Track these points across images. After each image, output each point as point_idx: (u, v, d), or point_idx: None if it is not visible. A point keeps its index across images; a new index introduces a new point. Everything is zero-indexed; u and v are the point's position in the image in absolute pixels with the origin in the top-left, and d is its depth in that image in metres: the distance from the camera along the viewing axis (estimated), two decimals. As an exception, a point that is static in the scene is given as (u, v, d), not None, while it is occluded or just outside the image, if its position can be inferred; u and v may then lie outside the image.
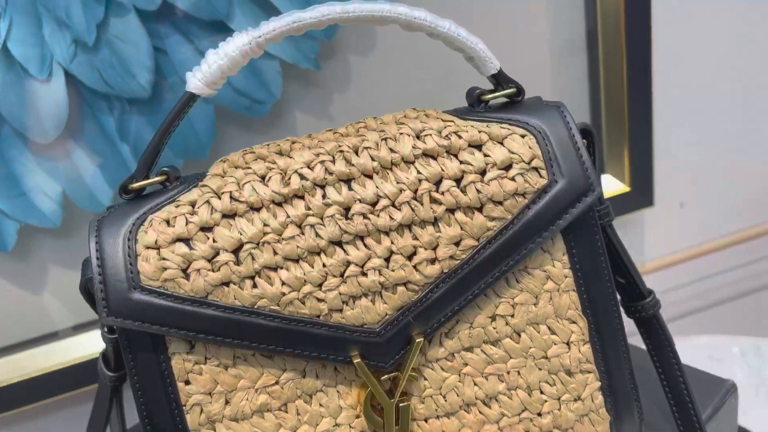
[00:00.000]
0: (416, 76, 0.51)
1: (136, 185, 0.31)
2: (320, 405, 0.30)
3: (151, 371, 0.29)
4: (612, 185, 0.56)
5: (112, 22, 0.42)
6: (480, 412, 0.31)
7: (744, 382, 0.57)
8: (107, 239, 0.28)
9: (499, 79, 0.34)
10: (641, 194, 0.57)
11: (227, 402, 0.29)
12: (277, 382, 0.29)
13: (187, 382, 0.29)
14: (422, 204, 0.30)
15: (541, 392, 0.32)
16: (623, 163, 0.56)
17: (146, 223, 0.29)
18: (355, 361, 0.29)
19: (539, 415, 0.31)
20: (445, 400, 0.31)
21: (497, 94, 0.34)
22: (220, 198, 0.29)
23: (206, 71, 0.31)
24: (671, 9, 0.56)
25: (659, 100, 0.57)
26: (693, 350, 0.62)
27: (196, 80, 0.31)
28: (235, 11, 0.44)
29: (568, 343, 0.32)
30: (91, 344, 0.49)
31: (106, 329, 0.32)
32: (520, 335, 0.31)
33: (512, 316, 0.32)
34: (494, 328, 0.31)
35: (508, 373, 0.31)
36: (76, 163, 0.45)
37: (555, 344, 0.32)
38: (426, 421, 0.30)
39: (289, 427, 0.29)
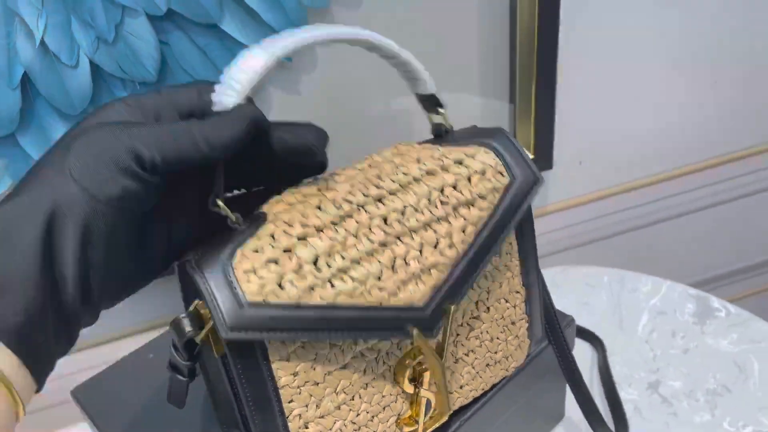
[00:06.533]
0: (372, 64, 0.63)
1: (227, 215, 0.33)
2: (373, 387, 0.38)
3: (261, 390, 0.34)
4: (519, 153, 0.71)
5: (127, 22, 0.53)
6: (463, 361, 0.43)
7: (606, 306, 0.75)
8: (210, 275, 0.32)
9: (433, 101, 0.41)
10: (544, 159, 0.73)
11: (317, 406, 0.36)
12: (350, 383, 0.38)
13: (291, 401, 0.35)
14: (435, 206, 0.38)
15: (498, 339, 0.45)
16: (530, 136, 0.70)
17: (237, 255, 0.33)
18: (414, 332, 0.36)
19: (496, 353, 0.45)
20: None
21: (442, 121, 0.42)
22: (292, 226, 0.34)
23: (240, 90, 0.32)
24: (574, 24, 0.69)
25: (561, 90, 0.70)
26: (572, 277, 0.80)
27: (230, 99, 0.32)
28: (225, 16, 0.55)
29: (514, 306, 0.45)
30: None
31: (184, 354, 0.34)
32: (489, 309, 0.44)
33: (487, 299, 0.43)
34: (477, 308, 0.43)
35: (482, 333, 0.44)
36: (97, 129, 0.57)
37: (507, 309, 0.45)
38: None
39: (356, 410, 0.38)
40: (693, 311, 0.72)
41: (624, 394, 0.64)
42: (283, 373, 0.35)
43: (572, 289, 0.77)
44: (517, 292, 0.45)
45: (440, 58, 0.65)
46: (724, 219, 0.92)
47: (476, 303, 0.43)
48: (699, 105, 0.82)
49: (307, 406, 0.36)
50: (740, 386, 0.63)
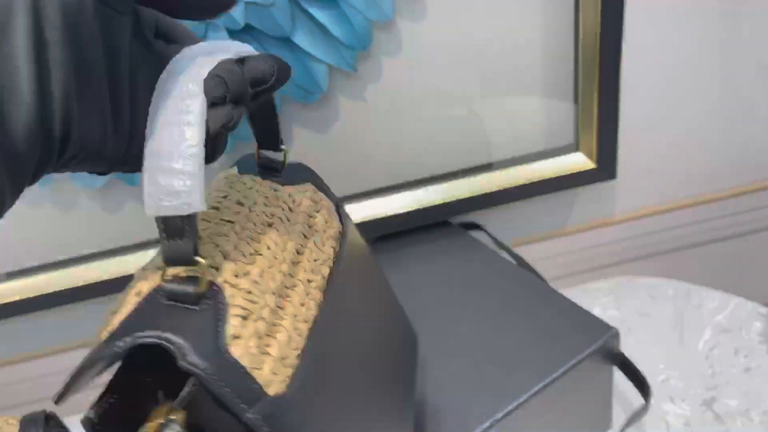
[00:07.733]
0: (434, 72, 0.66)
1: None
2: None
3: None
4: (582, 163, 0.72)
5: (210, 35, 0.59)
6: None
7: (667, 318, 0.74)
8: None
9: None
10: (607, 169, 0.73)
11: None
12: None
13: None
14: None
15: None
16: (593, 144, 0.71)
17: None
18: None
19: None
20: None
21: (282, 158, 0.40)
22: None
23: None
24: (640, 30, 0.68)
25: (625, 100, 0.70)
26: (636, 288, 0.79)
27: None
28: (297, 30, 0.60)
29: None
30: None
31: None
32: None
33: None
34: None
35: None
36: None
37: None
38: None
39: None
40: (761, 330, 0.70)
41: (676, 408, 0.63)
42: None
43: (634, 300, 0.77)
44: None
45: (504, 61, 0.67)
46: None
47: None
48: (782, 116, 0.79)
49: None
50: (801, 410, 0.61)
